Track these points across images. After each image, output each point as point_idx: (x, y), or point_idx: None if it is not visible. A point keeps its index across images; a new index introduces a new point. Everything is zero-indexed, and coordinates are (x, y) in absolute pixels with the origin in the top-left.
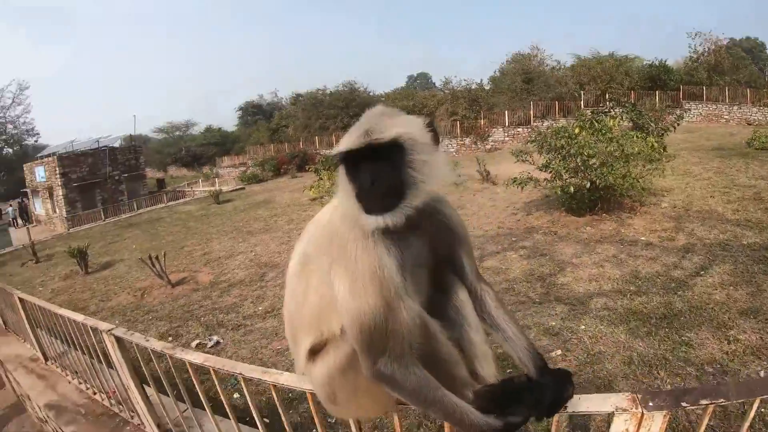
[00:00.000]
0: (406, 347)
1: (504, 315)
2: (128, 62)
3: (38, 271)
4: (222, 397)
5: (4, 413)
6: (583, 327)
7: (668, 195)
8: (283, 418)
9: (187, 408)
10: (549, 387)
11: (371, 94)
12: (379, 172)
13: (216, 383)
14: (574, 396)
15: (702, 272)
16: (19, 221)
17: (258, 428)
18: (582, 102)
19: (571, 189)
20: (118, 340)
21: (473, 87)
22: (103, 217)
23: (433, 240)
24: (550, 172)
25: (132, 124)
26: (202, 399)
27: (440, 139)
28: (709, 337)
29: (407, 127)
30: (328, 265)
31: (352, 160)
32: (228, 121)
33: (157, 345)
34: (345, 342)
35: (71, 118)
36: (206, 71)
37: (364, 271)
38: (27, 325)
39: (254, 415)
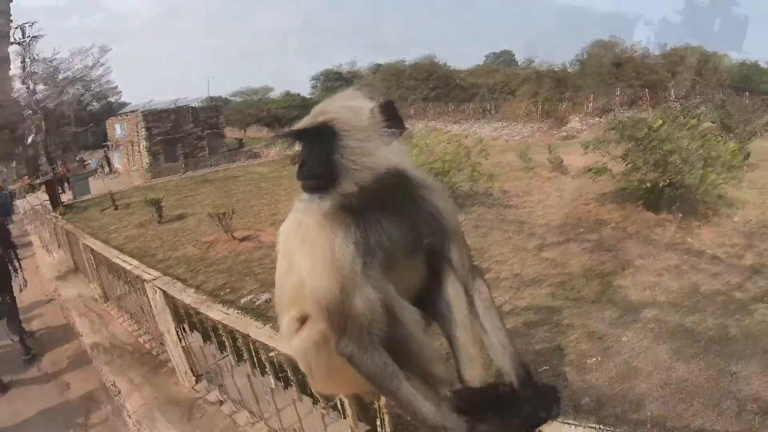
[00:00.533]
0: (365, 332)
1: (492, 318)
2: (204, 26)
3: (115, 218)
4: (243, 350)
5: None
6: (626, 338)
7: (742, 208)
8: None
9: (216, 360)
10: (528, 401)
11: (451, 68)
12: (309, 156)
13: (227, 339)
14: (557, 421)
15: (766, 298)
16: (105, 169)
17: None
18: (672, 93)
19: (648, 184)
20: (159, 290)
21: (556, 69)
22: (183, 169)
23: (416, 227)
24: (628, 164)
25: (206, 87)
26: (228, 349)
27: (402, 122)
28: (757, 372)
29: (342, 112)
30: (297, 245)
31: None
32: (299, 88)
33: (188, 299)
34: (320, 319)
35: (146, 79)
36: (279, 39)
37: (319, 252)
38: (91, 268)
39: (268, 371)
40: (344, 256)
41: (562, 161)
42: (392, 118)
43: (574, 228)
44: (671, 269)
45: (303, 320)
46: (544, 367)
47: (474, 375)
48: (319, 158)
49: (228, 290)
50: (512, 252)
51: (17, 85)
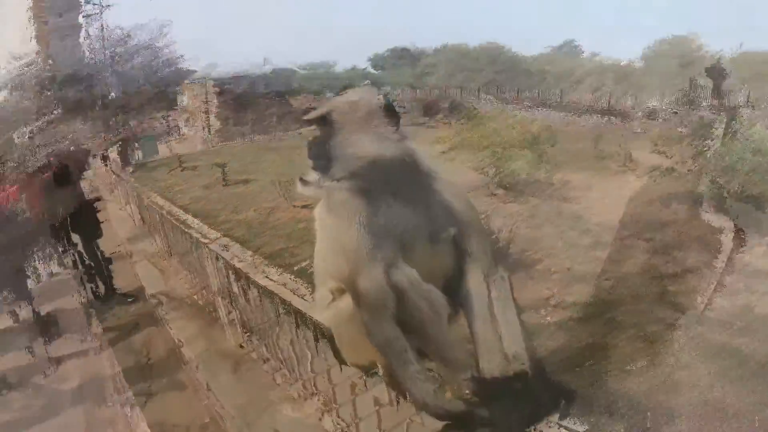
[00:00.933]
0: (373, 307)
1: (508, 311)
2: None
3: (181, 179)
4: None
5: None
6: (672, 347)
7: None
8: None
9: (263, 321)
10: (536, 397)
11: (516, 53)
12: (315, 141)
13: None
14: (559, 422)
15: None
16: (175, 132)
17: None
18: (749, 99)
19: (716, 189)
20: (214, 252)
21: (623, 63)
22: (250, 135)
23: (431, 216)
24: (696, 166)
25: (274, 56)
26: (275, 312)
27: (398, 116)
28: None
29: (341, 106)
30: (320, 226)
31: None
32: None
33: (240, 265)
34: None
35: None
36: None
37: (329, 234)
38: (156, 225)
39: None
40: (350, 238)
41: (631, 155)
42: (390, 112)
43: (634, 227)
44: (727, 284)
45: (338, 293)
46: (588, 363)
47: (491, 365)
48: (319, 144)
49: (287, 255)
50: (565, 246)
51: (87, 52)
